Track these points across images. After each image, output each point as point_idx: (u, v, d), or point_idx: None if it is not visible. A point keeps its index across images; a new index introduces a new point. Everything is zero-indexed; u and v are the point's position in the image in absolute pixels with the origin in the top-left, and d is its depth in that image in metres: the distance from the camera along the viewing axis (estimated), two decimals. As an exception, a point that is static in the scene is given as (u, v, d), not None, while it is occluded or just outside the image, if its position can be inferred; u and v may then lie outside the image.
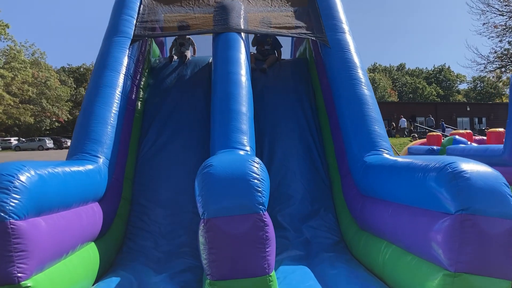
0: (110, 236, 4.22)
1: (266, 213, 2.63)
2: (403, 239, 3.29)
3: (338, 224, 4.96)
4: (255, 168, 2.67)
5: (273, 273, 2.64)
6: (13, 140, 45.59)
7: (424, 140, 12.52)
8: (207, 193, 2.59)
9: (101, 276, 3.73)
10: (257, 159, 2.78)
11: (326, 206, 5.11)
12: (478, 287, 2.62)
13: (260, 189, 2.61)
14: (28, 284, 2.50)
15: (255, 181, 2.61)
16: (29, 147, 42.47)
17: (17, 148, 42.57)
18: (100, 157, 4.10)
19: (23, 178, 2.60)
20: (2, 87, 41.46)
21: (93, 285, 3.54)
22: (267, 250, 2.58)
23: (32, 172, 2.70)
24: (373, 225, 3.93)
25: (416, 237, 3.04)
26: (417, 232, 3.03)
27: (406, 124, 34.64)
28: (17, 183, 2.54)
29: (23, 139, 46.47)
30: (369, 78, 4.84)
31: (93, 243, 3.75)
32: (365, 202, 4.21)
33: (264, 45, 6.85)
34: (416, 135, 24.75)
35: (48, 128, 51.37)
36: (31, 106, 47.13)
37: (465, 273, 2.62)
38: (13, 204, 2.48)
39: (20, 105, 45.45)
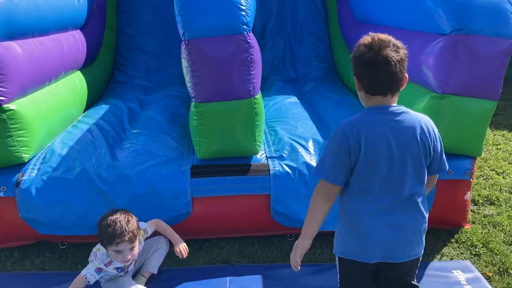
0: (98, 66, 4.14)
1: (251, 34, 2.47)
2: (395, 63, 3.20)
3: (331, 54, 4.86)
4: (237, -15, 2.42)
5: (258, 96, 2.59)
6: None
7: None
8: (186, 12, 2.40)
9: (91, 105, 3.75)
10: None
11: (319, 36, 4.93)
12: (464, 108, 2.61)
13: (244, 7, 2.41)
14: (11, 107, 2.48)
15: (238, -2, 2.40)
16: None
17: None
18: (76, -20, 3.77)
19: (-13, -1, 2.39)
20: None
21: (83, 113, 3.57)
22: (252, 72, 2.49)
23: (-3, -6, 2.47)
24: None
25: (408, 61, 2.94)
26: (410, 56, 2.92)
27: None
28: (-19, 4, 2.34)
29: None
30: None
31: (79, 72, 3.68)
32: (360, 28, 4.05)
33: None
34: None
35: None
36: None
37: (452, 94, 2.58)
38: (-20, 25, 2.33)
39: None
